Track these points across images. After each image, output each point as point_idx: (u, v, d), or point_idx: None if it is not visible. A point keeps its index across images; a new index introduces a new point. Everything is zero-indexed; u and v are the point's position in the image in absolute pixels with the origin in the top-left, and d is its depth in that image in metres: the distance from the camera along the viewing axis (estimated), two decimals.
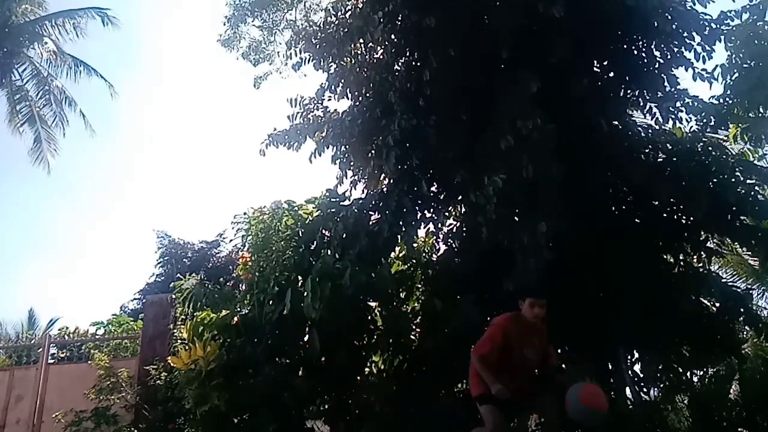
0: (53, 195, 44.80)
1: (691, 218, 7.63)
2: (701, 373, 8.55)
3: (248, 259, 8.57)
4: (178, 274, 11.84)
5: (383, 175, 8.07)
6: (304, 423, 7.90)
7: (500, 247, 7.02)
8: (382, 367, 8.28)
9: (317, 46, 8.63)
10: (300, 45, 8.86)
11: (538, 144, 6.63)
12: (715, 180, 7.46)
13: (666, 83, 7.72)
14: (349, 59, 8.64)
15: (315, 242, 8.19)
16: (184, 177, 49.34)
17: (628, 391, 7.76)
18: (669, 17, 7.40)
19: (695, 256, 7.88)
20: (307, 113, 8.88)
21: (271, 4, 16.40)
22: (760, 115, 8.42)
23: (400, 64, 8.36)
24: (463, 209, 8.40)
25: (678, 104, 7.74)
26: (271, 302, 7.89)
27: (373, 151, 8.10)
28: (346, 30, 8.33)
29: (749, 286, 10.64)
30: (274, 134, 8.86)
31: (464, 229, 8.47)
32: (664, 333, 7.30)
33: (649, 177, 7.37)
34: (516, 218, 7.05)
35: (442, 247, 8.93)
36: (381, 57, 8.61)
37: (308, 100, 8.91)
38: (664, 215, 7.80)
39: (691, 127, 8.02)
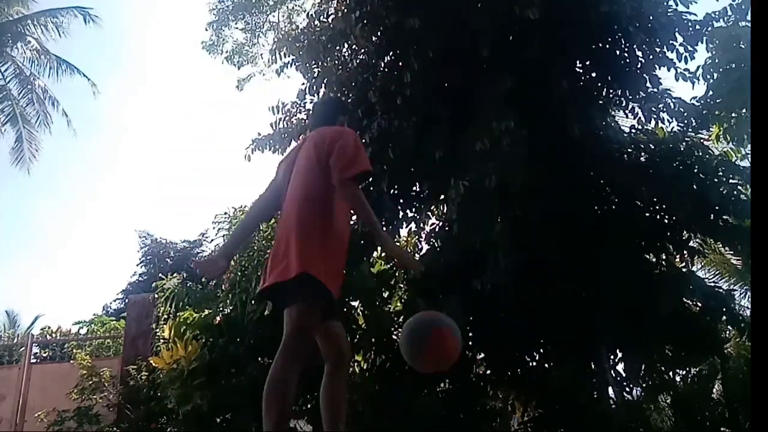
0: (34, 194, 44.31)
1: (674, 218, 7.64)
2: (684, 372, 8.58)
3: None
4: (161, 274, 11.76)
5: None
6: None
7: (476, 247, 7.00)
8: (364, 367, 8.27)
9: (300, 50, 8.61)
10: (284, 49, 8.84)
11: (508, 150, 6.63)
12: (698, 180, 7.46)
13: (648, 83, 7.74)
14: (332, 61, 8.60)
15: None
16: (167, 176, 49.02)
17: (610, 390, 7.77)
18: (649, 21, 7.46)
19: (678, 256, 7.90)
20: (290, 117, 8.81)
21: (253, 7, 16.42)
22: (743, 114, 8.44)
23: (381, 64, 8.34)
24: (445, 209, 8.39)
25: (660, 105, 7.77)
26: (253, 302, 7.87)
27: None
28: (329, 34, 8.32)
29: (732, 286, 10.68)
30: (258, 139, 8.78)
31: (446, 228, 8.46)
32: (647, 333, 7.28)
33: (632, 177, 7.39)
34: (485, 218, 7.03)
35: (425, 247, 8.92)
36: (363, 58, 8.59)
37: (290, 105, 8.84)
38: (647, 215, 7.81)
39: (673, 127, 8.04)
